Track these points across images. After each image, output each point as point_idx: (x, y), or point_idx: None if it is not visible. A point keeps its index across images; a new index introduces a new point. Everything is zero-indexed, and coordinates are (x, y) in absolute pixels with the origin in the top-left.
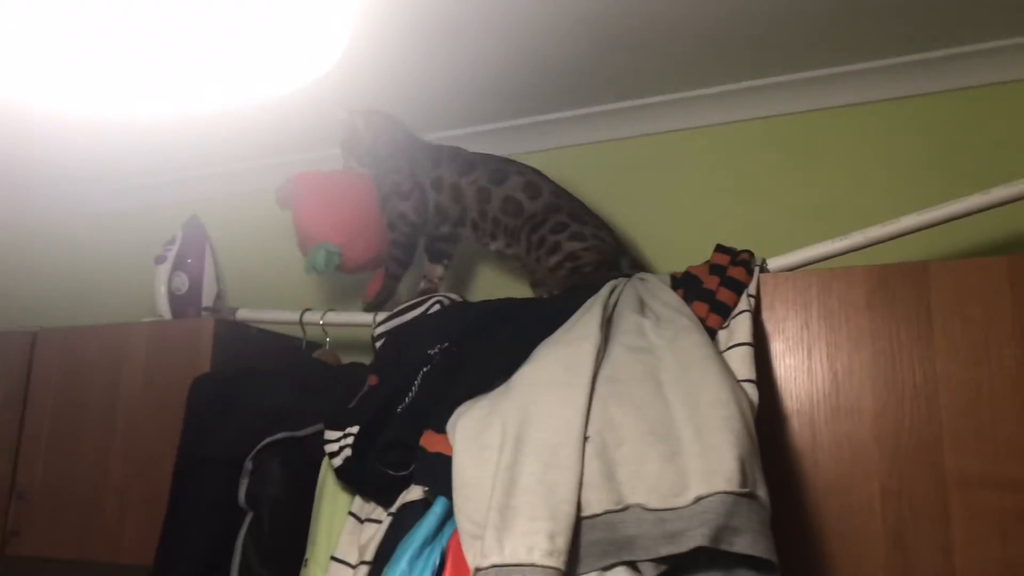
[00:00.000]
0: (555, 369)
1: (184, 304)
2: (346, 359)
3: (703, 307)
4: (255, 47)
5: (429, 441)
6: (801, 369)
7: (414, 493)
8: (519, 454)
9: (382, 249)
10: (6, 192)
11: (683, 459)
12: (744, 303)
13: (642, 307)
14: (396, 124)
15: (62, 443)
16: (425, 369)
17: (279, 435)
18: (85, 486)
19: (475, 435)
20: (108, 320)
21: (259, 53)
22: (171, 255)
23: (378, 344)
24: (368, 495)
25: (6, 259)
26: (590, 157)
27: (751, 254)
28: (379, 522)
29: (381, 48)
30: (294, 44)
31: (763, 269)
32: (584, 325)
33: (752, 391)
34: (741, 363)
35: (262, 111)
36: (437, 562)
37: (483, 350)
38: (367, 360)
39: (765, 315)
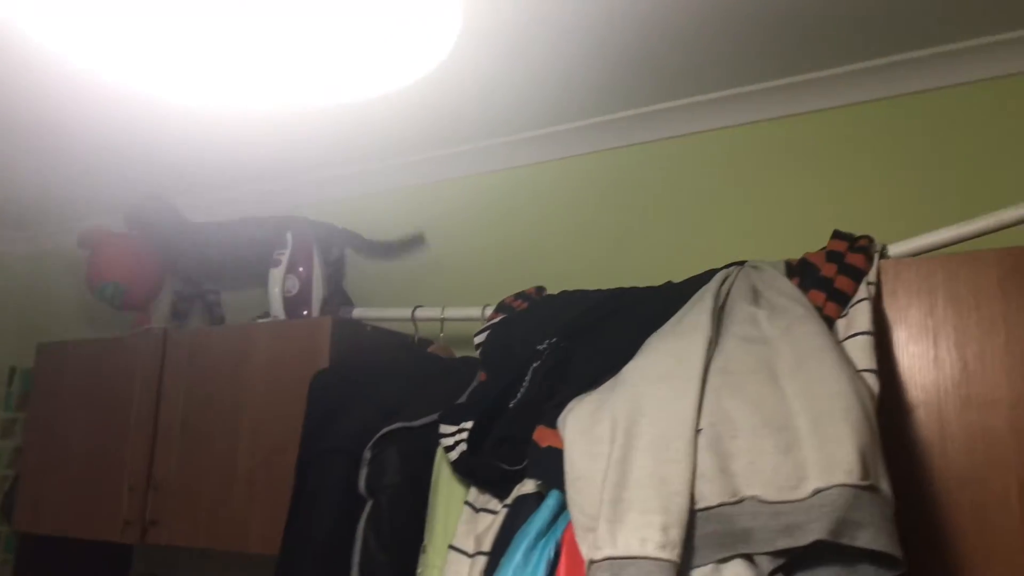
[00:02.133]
0: (666, 362)
1: (296, 305)
2: (459, 353)
3: (820, 295)
4: (368, 42)
5: (541, 436)
6: (927, 358)
7: (528, 486)
8: (630, 448)
9: (151, 296)
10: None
11: (800, 451)
12: (863, 291)
13: (755, 296)
14: (172, 210)
15: (192, 438)
16: (535, 365)
17: (395, 425)
18: (214, 478)
19: (586, 429)
20: (228, 320)
21: (372, 48)
22: (284, 259)
23: (478, 351)
24: (483, 487)
25: None
26: (701, 146)
27: (870, 240)
28: (494, 512)
29: (489, 42)
30: (406, 38)
31: (883, 255)
32: (695, 316)
33: (873, 381)
34: (861, 353)
35: (370, 113)
36: (552, 554)
37: (592, 344)
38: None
39: (886, 302)
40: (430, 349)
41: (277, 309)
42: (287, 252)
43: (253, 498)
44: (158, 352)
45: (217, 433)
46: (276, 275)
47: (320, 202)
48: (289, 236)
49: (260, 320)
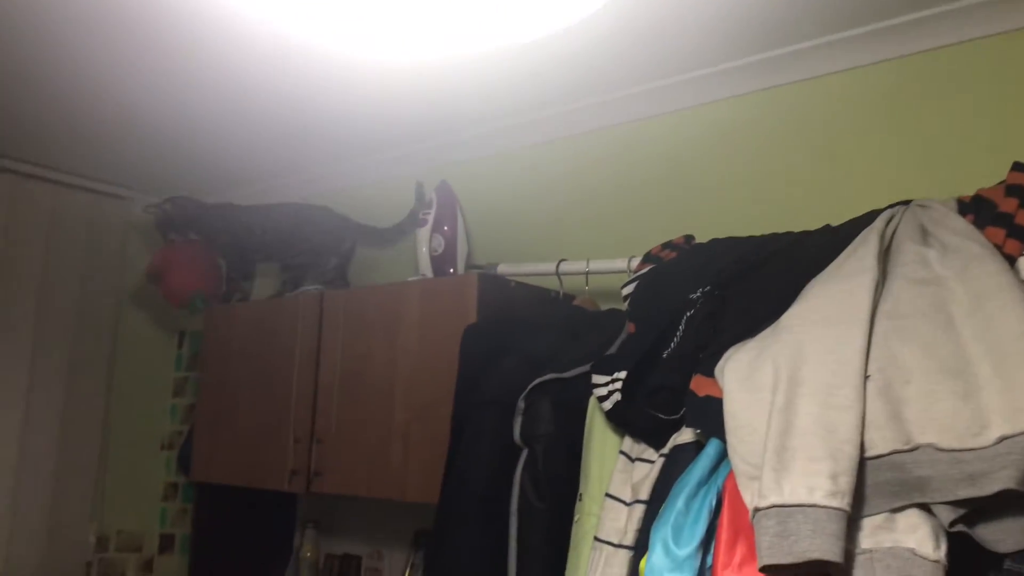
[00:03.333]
0: (829, 306)
1: (441, 263)
2: (604, 306)
3: (999, 233)
4: None
5: (698, 385)
6: None
7: (685, 435)
8: (794, 395)
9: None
10: (283, 172)
11: (981, 396)
12: None
13: (924, 236)
14: (193, 202)
15: (351, 392)
16: (689, 314)
17: (547, 376)
18: (372, 431)
19: (746, 377)
20: (379, 280)
21: None
22: (430, 218)
23: (626, 302)
24: (638, 436)
25: None
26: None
27: None
28: (650, 462)
29: None
30: None
31: None
32: (859, 259)
33: None
34: None
35: (521, 62)
36: (713, 502)
37: (748, 291)
38: (622, 306)
39: None
40: (575, 302)
41: (425, 267)
42: (432, 212)
43: (409, 450)
44: (316, 311)
45: (373, 387)
46: (423, 234)
47: (464, 161)
48: (434, 195)
49: (411, 279)
